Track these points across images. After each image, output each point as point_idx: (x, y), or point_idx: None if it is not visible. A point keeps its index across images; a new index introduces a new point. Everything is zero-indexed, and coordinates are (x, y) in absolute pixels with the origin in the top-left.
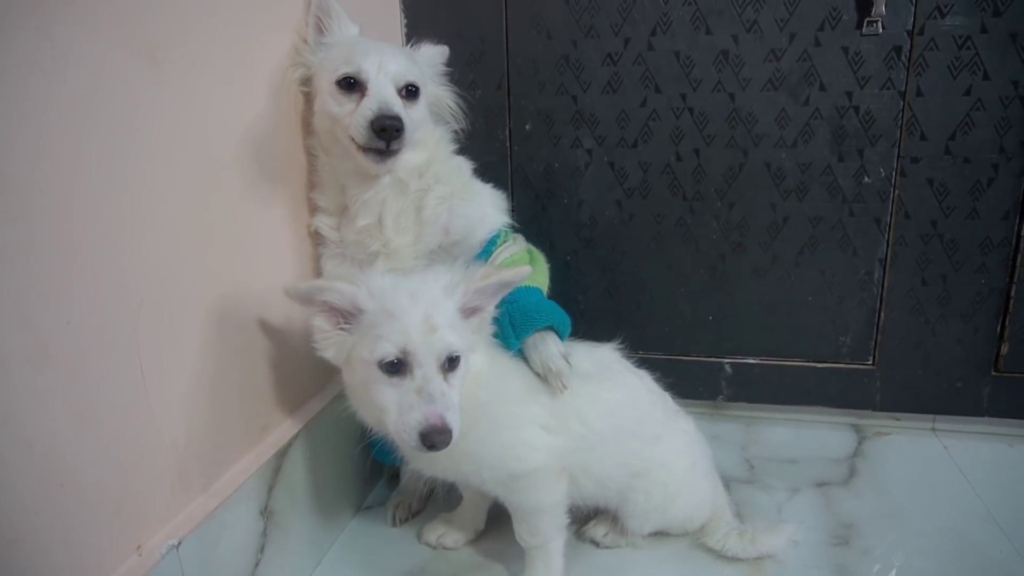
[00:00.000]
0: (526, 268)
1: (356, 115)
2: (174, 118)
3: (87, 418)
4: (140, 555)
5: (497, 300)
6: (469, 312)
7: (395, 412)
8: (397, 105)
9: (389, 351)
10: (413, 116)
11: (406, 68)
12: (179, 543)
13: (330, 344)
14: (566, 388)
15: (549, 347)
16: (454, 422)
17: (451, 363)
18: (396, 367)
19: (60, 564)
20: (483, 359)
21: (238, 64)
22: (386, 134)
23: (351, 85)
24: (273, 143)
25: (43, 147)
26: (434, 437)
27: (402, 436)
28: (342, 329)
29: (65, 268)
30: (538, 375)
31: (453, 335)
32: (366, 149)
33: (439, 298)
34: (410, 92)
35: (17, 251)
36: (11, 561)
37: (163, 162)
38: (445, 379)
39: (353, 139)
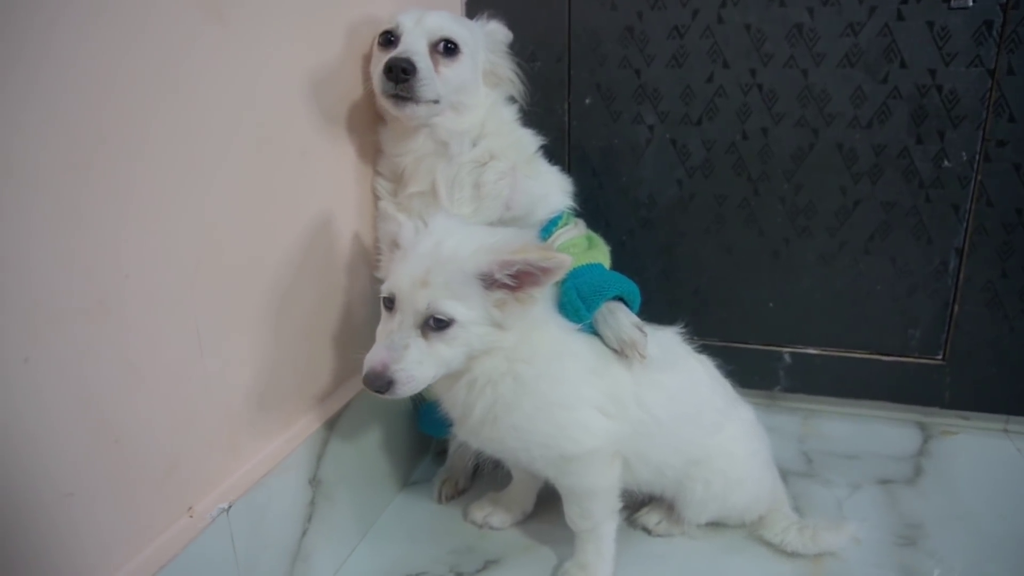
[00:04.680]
0: (564, 256)
1: (379, 65)
2: (238, 73)
3: (143, 376)
4: (191, 516)
5: (535, 287)
6: (494, 283)
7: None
8: (417, 54)
9: (384, 288)
10: (447, 74)
11: (446, 24)
12: (229, 507)
13: (383, 266)
14: (644, 357)
15: (620, 319)
16: (401, 376)
17: (438, 323)
18: (390, 305)
19: (113, 520)
20: (515, 338)
21: (306, 20)
22: (392, 74)
23: (389, 42)
24: (341, 102)
25: (107, 97)
26: (369, 379)
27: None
28: (391, 255)
29: (125, 220)
30: (614, 350)
31: (445, 298)
32: (386, 95)
33: (459, 257)
34: (447, 49)
35: (77, 200)
36: (67, 513)
37: (227, 118)
38: (425, 336)
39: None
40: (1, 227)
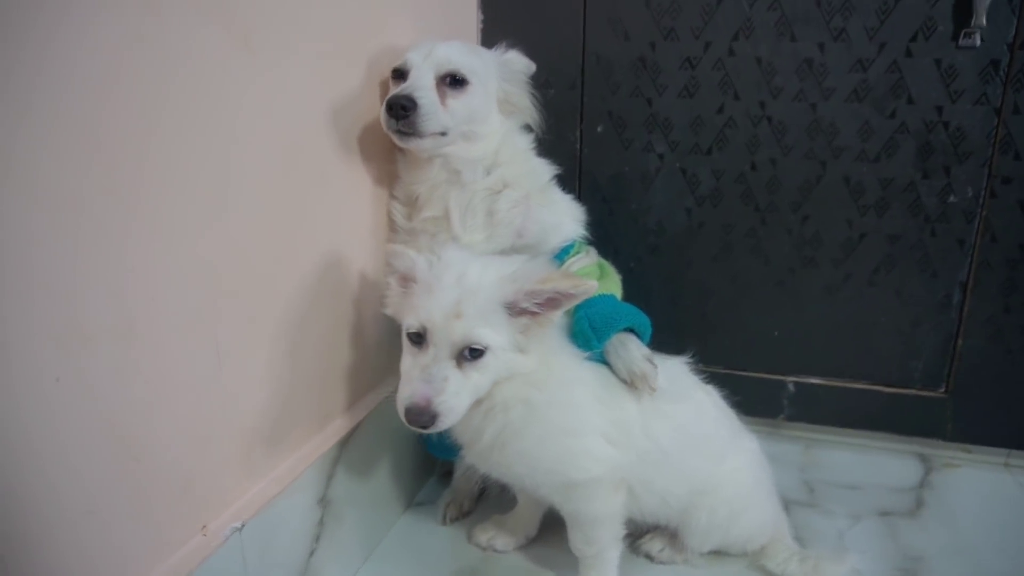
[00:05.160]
0: (591, 283)
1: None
2: (263, 100)
3: (164, 396)
4: (205, 535)
5: (555, 311)
6: (519, 311)
7: (402, 381)
8: (421, 89)
9: (412, 323)
10: (454, 105)
11: (455, 56)
12: (242, 526)
13: (391, 303)
14: (654, 390)
15: (631, 351)
16: (444, 408)
17: (472, 353)
18: (418, 340)
19: (131, 537)
20: (535, 362)
21: (330, 48)
22: (392, 111)
23: (400, 76)
24: (361, 129)
25: (139, 125)
26: (413, 415)
27: (397, 406)
28: (404, 290)
29: (153, 245)
30: (624, 381)
31: (480, 327)
32: (390, 130)
33: (485, 287)
34: (454, 81)
35: (109, 225)
36: (87, 530)
37: (252, 144)
38: (460, 367)
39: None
40: (38, 251)
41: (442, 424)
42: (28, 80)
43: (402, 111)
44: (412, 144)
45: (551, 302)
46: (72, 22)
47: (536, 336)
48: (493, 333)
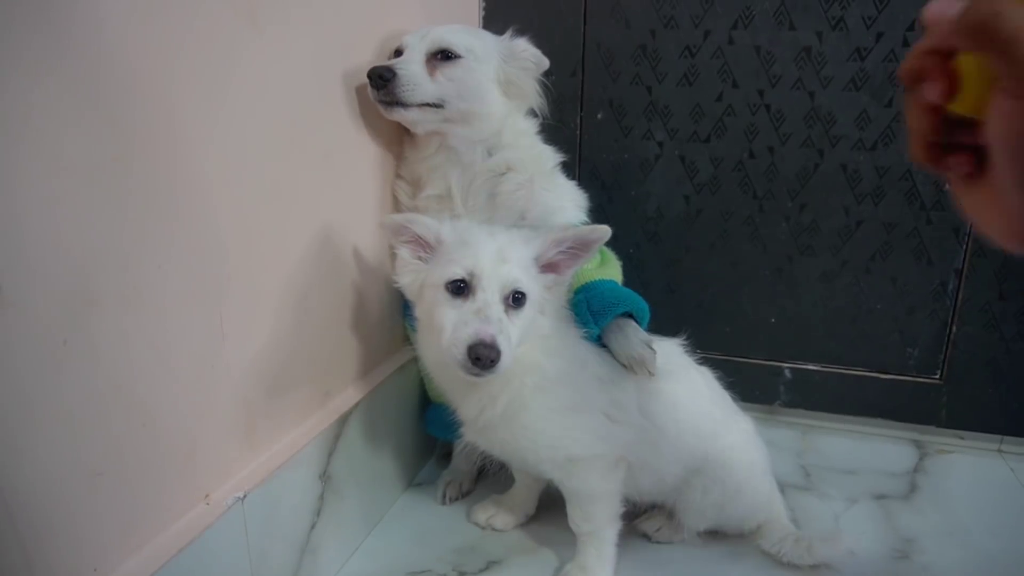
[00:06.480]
0: (605, 228)
1: None
2: (269, 74)
3: (169, 363)
4: (208, 504)
5: (575, 263)
6: (546, 267)
7: (450, 329)
8: (404, 62)
9: (456, 271)
10: (445, 77)
11: (449, 35)
12: (244, 496)
13: (407, 272)
14: (653, 375)
15: (629, 335)
16: (504, 346)
17: (516, 300)
18: (461, 289)
19: (136, 501)
20: (552, 327)
21: (337, 29)
22: (372, 81)
23: (399, 55)
24: (367, 109)
25: (147, 95)
26: (480, 350)
27: (451, 351)
28: (419, 259)
29: (160, 212)
30: (623, 365)
31: (522, 273)
32: (375, 100)
33: (516, 241)
34: (445, 56)
35: (117, 191)
36: (96, 492)
37: (257, 117)
38: (506, 313)
39: None
40: (47, 216)
41: (503, 365)
42: (48, 49)
43: (380, 80)
44: (398, 115)
45: (571, 252)
46: None
47: (555, 294)
48: (531, 282)
